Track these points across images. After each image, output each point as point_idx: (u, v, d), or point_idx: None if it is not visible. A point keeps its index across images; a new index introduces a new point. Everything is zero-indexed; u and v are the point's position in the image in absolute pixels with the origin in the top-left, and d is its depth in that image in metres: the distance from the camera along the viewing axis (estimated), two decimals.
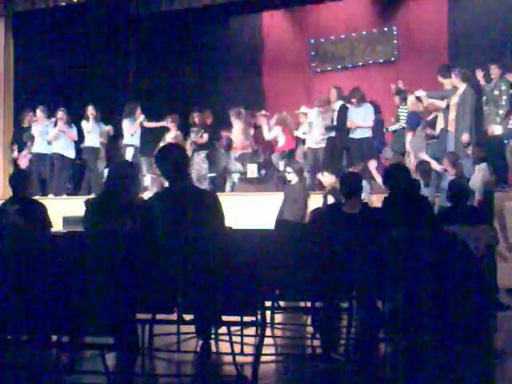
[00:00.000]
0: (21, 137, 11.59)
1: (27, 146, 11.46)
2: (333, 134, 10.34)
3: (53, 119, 11.26)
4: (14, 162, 11.57)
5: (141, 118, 11.08)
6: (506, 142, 9.03)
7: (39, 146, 11.26)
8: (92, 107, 11.23)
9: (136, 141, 11.13)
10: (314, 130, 10.35)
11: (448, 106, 9.25)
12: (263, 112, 11.33)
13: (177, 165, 4.46)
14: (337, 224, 5.40)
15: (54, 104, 11.85)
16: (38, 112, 11.35)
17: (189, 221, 4.29)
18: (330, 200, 8.37)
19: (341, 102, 10.37)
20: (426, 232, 5.07)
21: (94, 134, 11.27)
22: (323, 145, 10.26)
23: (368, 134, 10.17)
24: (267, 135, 10.90)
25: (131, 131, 11.04)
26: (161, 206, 4.40)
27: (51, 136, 11.15)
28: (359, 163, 9.47)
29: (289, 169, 9.22)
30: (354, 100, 10.17)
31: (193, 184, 4.77)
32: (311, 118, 10.46)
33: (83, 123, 11.27)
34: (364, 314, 5.19)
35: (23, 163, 11.44)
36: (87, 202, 4.98)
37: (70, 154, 11.31)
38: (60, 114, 11.16)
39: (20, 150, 11.58)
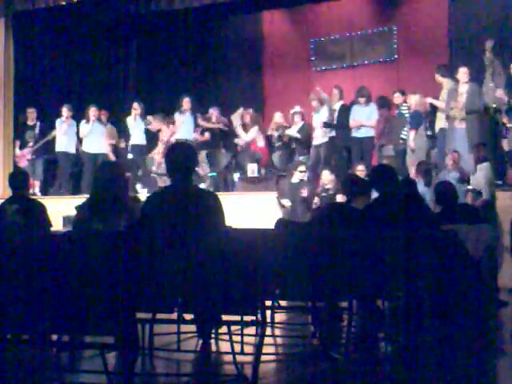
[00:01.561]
0: (23, 135, 11.47)
1: (30, 146, 11.35)
2: (333, 133, 10.35)
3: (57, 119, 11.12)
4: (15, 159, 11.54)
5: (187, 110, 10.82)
6: (507, 139, 9.03)
7: (65, 145, 11.04)
8: (137, 103, 11.05)
9: (189, 135, 10.90)
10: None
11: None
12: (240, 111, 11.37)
13: (182, 164, 4.45)
14: (340, 218, 5.42)
15: (53, 104, 11.84)
16: (65, 111, 11.09)
17: (189, 220, 4.29)
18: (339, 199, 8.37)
19: (342, 102, 10.39)
20: (426, 231, 5.07)
21: (139, 131, 11.09)
22: (324, 141, 10.25)
23: (371, 133, 10.19)
24: (245, 137, 10.93)
25: (178, 125, 10.92)
26: (161, 205, 4.41)
27: (84, 133, 10.96)
28: (364, 162, 9.51)
29: (302, 167, 9.25)
30: (361, 99, 10.17)
31: (194, 184, 4.76)
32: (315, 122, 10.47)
33: (129, 120, 11.09)
34: (364, 314, 5.19)
35: (23, 163, 11.37)
36: (78, 207, 4.95)
37: (103, 151, 11.13)
38: (92, 110, 10.98)
39: (21, 148, 11.43)
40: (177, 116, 11.02)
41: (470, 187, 8.39)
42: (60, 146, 11.13)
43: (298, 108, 10.95)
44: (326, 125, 10.27)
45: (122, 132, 12.19)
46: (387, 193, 5.44)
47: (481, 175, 8.17)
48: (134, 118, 11.01)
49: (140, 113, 11.02)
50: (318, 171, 10.14)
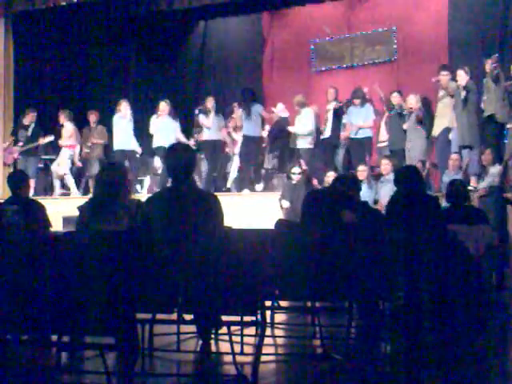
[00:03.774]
0: (16, 133, 11.26)
1: (19, 145, 11.17)
2: (327, 135, 10.37)
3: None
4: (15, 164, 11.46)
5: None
6: (505, 141, 9.05)
7: (122, 142, 10.68)
8: (212, 99, 10.81)
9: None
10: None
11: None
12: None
13: (181, 165, 4.46)
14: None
15: (53, 104, 11.83)
16: (124, 105, 10.76)
17: (189, 221, 4.29)
18: None
19: (336, 102, 10.44)
20: (427, 232, 5.07)
21: (213, 127, 10.84)
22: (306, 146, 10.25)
23: (369, 133, 10.21)
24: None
25: (237, 120, 10.80)
26: (161, 206, 4.41)
27: (154, 128, 10.65)
28: (365, 163, 9.53)
29: (296, 169, 9.24)
30: (357, 101, 10.19)
31: (194, 185, 4.77)
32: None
33: (201, 117, 10.88)
34: (364, 314, 5.19)
35: (8, 159, 11.21)
36: (80, 208, 4.95)
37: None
38: (163, 105, 10.70)
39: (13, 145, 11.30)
40: (201, 117, 10.83)
41: (471, 188, 8.42)
42: (117, 144, 10.77)
43: (280, 105, 10.94)
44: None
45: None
46: (404, 192, 5.46)
47: (494, 176, 8.24)
48: (211, 115, 10.76)
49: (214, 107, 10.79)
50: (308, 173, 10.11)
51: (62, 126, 11.27)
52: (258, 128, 10.43)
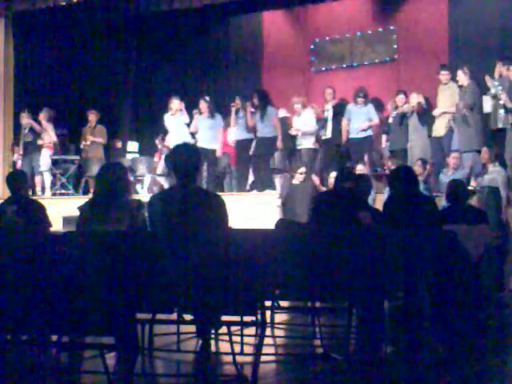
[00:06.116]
0: (20, 138, 11.40)
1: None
2: (329, 135, 10.37)
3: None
4: (14, 164, 11.51)
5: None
6: None
7: (175, 141, 9.82)
8: (256, 95, 10.29)
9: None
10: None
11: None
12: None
13: (186, 165, 4.45)
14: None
15: (52, 104, 11.82)
16: (176, 103, 10.43)
17: (190, 221, 4.29)
18: None
19: (335, 102, 10.43)
20: (426, 232, 5.07)
21: (241, 127, 10.55)
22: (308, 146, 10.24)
23: (369, 133, 10.21)
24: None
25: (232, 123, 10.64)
26: (163, 206, 4.40)
27: (193, 127, 10.36)
28: (364, 163, 9.53)
29: (301, 169, 9.25)
30: (360, 100, 10.18)
31: (198, 185, 4.75)
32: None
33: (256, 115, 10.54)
34: (364, 314, 5.19)
35: (19, 165, 11.32)
36: (80, 208, 4.95)
37: (211, 146, 10.37)
38: (202, 103, 10.41)
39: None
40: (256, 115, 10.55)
41: (471, 188, 8.43)
42: (173, 143, 10.22)
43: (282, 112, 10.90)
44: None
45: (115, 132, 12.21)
46: (397, 193, 5.46)
47: (495, 175, 8.25)
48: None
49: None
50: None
51: (41, 124, 11.24)
52: (272, 130, 10.20)
